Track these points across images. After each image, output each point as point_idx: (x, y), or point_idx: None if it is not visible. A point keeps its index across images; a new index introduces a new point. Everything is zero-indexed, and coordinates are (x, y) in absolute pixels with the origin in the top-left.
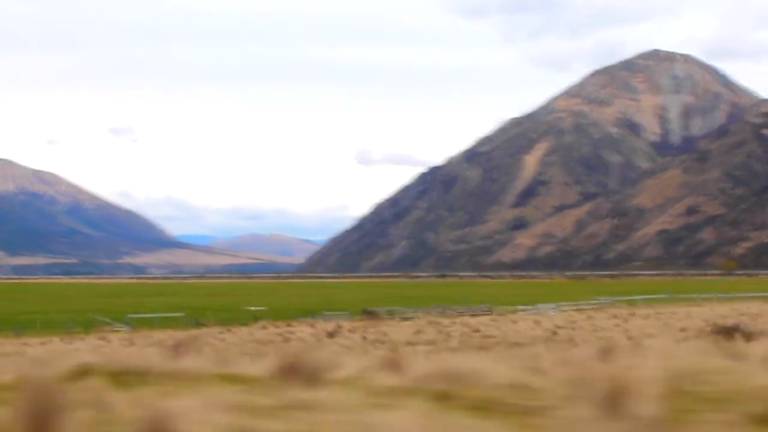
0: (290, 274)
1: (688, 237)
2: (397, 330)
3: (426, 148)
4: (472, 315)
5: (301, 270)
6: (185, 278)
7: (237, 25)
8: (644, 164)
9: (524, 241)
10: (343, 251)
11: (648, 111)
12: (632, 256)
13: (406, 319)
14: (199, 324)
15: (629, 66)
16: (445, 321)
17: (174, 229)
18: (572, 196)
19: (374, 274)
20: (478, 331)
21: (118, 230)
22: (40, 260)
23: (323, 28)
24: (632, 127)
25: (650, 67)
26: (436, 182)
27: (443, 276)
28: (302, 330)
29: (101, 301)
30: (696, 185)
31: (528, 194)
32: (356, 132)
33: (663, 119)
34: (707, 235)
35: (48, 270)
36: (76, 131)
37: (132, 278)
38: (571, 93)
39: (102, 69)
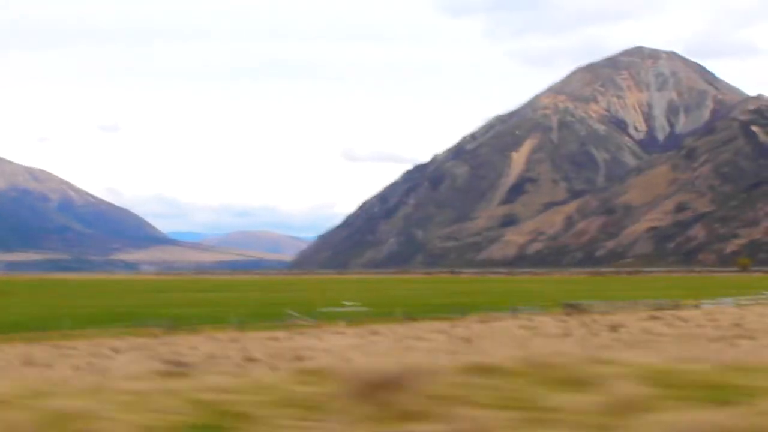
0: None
1: (678, 234)
2: (647, 324)
3: (411, 146)
4: (662, 309)
5: (294, 266)
6: (197, 274)
7: (225, 23)
8: (631, 161)
9: (514, 237)
10: (334, 248)
11: (633, 108)
12: (622, 253)
13: (605, 313)
14: (410, 318)
15: (613, 63)
16: (662, 314)
17: (163, 226)
18: (560, 192)
19: (380, 271)
20: (739, 325)
21: (110, 227)
22: (33, 256)
23: (309, 26)
24: (618, 124)
25: (634, 65)
26: (423, 179)
27: (454, 272)
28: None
29: (205, 296)
30: (684, 182)
31: (516, 191)
32: (341, 129)
33: (648, 116)
34: (697, 232)
35: (40, 266)
36: (67, 129)
37: (158, 275)
38: (555, 90)
39: (91, 67)
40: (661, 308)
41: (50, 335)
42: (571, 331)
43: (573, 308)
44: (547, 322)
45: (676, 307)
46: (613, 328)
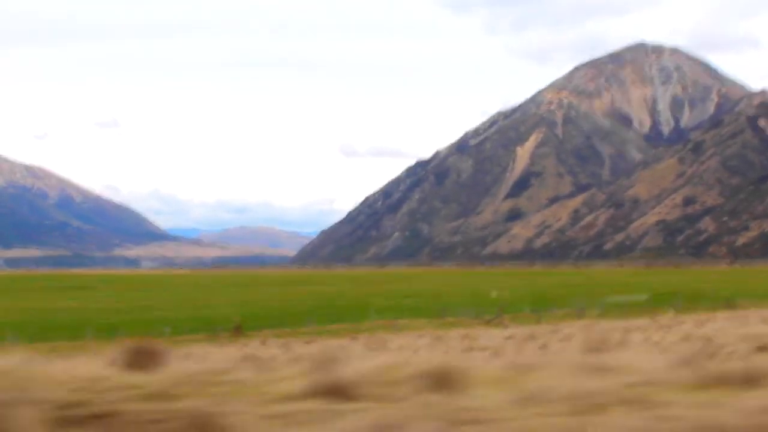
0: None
1: (687, 227)
2: None
3: (411, 141)
4: None
5: (297, 261)
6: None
7: (222, 18)
8: (636, 155)
9: (520, 231)
10: (337, 243)
11: (637, 103)
12: (631, 246)
13: None
14: (732, 305)
15: (616, 58)
16: None
17: (160, 222)
18: (566, 187)
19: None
20: None
21: (109, 223)
22: (33, 253)
23: (307, 21)
24: (622, 119)
25: (638, 59)
26: (427, 174)
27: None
28: None
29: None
30: (691, 175)
31: (521, 185)
32: (339, 125)
33: (653, 111)
34: (707, 225)
35: (41, 262)
36: (64, 125)
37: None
38: (558, 85)
39: (88, 63)
40: None
41: (357, 327)
42: None
43: None
44: None
45: None
46: None
